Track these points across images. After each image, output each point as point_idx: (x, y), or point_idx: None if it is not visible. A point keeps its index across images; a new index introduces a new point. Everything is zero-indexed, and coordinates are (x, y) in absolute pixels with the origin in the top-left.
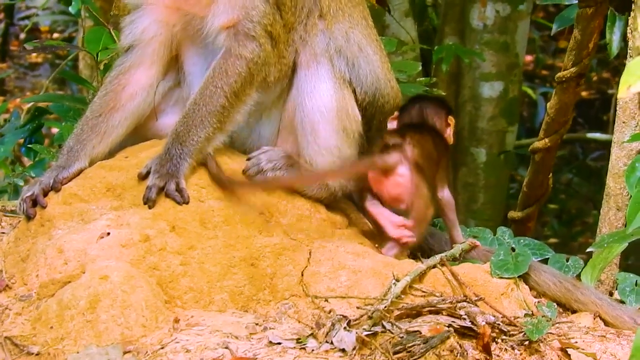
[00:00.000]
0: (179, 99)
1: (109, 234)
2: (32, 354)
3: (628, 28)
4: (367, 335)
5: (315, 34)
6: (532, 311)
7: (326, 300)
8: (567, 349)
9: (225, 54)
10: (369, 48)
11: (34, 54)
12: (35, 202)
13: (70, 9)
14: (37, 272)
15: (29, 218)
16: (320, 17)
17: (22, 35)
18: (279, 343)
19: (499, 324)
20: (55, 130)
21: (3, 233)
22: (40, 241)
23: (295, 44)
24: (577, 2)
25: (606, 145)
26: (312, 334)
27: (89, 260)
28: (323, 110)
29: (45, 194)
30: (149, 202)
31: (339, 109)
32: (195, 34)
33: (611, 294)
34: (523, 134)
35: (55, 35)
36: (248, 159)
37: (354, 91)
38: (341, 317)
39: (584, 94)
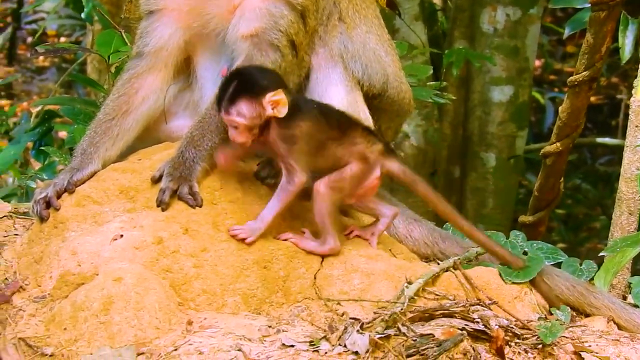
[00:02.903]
0: (190, 102)
1: (122, 236)
2: (46, 355)
3: None
4: (380, 338)
5: (334, 35)
6: (545, 315)
7: (339, 303)
8: (581, 353)
9: (245, 62)
10: (382, 50)
11: (42, 58)
12: (48, 204)
13: (82, 15)
14: (51, 274)
15: (43, 220)
16: (340, 19)
17: (29, 39)
18: (292, 345)
19: (512, 328)
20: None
21: (16, 235)
22: (53, 243)
23: (315, 45)
24: (589, 5)
25: (615, 150)
26: (325, 336)
27: (102, 262)
28: None
29: (59, 196)
30: (162, 205)
31: (350, 112)
32: (212, 39)
33: (624, 298)
34: (531, 138)
35: (63, 39)
36: (259, 163)
37: (365, 93)
38: (354, 320)
39: (592, 98)
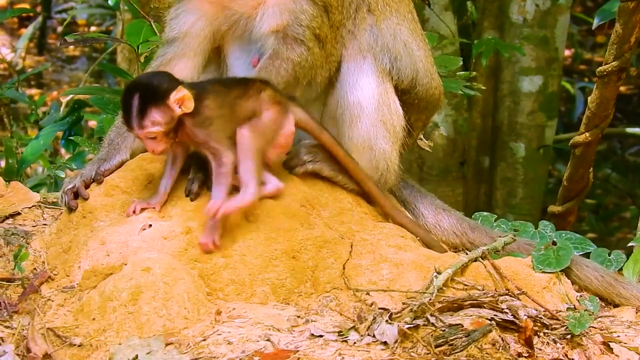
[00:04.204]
0: None
1: (150, 226)
2: (75, 345)
3: None
4: (409, 328)
5: (363, 28)
6: (574, 305)
7: (368, 293)
8: (610, 343)
9: (273, 56)
10: (414, 43)
11: (71, 47)
12: (77, 194)
13: (109, 1)
14: (79, 264)
15: (71, 210)
16: (368, 12)
17: (59, 29)
18: (321, 336)
19: (541, 318)
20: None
21: (45, 225)
22: (82, 233)
23: (344, 39)
24: None
25: None
26: (353, 326)
27: (130, 252)
28: (363, 104)
29: (87, 186)
30: (190, 195)
31: (380, 103)
32: (240, 31)
33: None
34: (561, 129)
35: (93, 28)
36: (288, 152)
37: (396, 85)
38: (383, 310)
39: (622, 88)
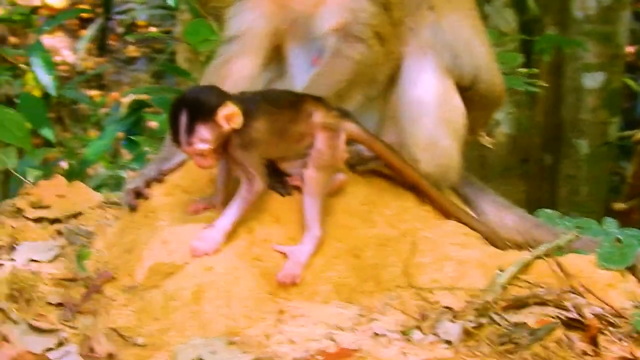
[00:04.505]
0: None
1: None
2: (138, 344)
3: None
4: (472, 327)
5: (424, 25)
6: None
7: (431, 292)
8: None
9: (334, 54)
10: (475, 40)
11: (132, 48)
12: (138, 194)
13: (169, 1)
14: (142, 263)
15: (133, 210)
16: (429, 9)
17: (120, 30)
18: (384, 334)
19: (606, 316)
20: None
21: (107, 225)
22: (144, 233)
23: (404, 36)
24: None
25: None
26: (417, 325)
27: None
28: (424, 101)
29: (149, 186)
30: (283, 191)
31: (441, 101)
32: (300, 30)
33: None
34: (623, 125)
35: (152, 29)
36: (349, 151)
37: (457, 83)
38: (446, 308)
39: None
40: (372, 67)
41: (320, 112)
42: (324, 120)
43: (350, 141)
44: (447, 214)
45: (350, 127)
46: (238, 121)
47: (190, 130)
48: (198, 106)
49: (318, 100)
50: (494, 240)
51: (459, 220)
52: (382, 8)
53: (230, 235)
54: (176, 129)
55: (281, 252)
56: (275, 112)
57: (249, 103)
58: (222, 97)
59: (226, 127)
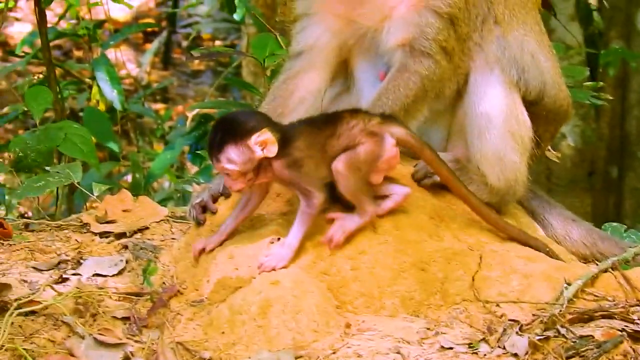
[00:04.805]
0: (348, 107)
1: (279, 239)
2: (204, 359)
3: None
4: (539, 340)
5: (490, 40)
6: None
7: (498, 305)
8: None
9: (400, 69)
10: (541, 54)
11: (197, 62)
12: (205, 208)
13: (235, 15)
14: (208, 278)
15: (199, 224)
16: (495, 23)
17: (184, 43)
18: (451, 348)
19: None
20: None
21: (173, 239)
22: None
23: (471, 51)
24: None
25: None
26: (484, 338)
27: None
28: (491, 115)
29: (215, 200)
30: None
31: (508, 115)
32: (367, 44)
33: None
34: None
35: (217, 42)
36: (416, 164)
37: (523, 97)
38: (513, 321)
39: None
40: (439, 82)
41: (359, 121)
42: (365, 128)
43: (400, 145)
44: (497, 228)
45: (396, 130)
46: (272, 150)
47: (220, 149)
48: (234, 127)
49: (356, 111)
50: (554, 256)
51: (510, 237)
52: (448, 23)
53: (297, 250)
54: (210, 145)
55: (333, 218)
56: (312, 130)
57: (289, 130)
58: (261, 123)
59: (259, 153)
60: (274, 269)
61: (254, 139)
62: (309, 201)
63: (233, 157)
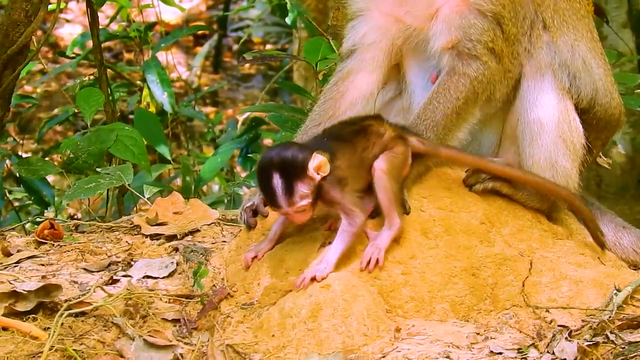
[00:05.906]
0: (400, 110)
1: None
2: None
3: None
4: (588, 346)
5: (540, 46)
6: None
7: (547, 311)
8: None
9: (450, 72)
10: (593, 61)
11: (247, 65)
12: (255, 212)
13: (287, 19)
14: (259, 281)
15: (250, 227)
16: (544, 29)
17: (235, 47)
18: (500, 353)
19: None
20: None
21: (224, 242)
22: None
23: (520, 56)
24: None
25: None
26: (533, 344)
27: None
28: (543, 121)
29: (266, 204)
30: (372, 214)
31: (560, 121)
32: (416, 46)
33: None
34: None
35: (268, 46)
36: (467, 169)
37: (575, 104)
38: (562, 327)
39: None
40: (489, 84)
41: (387, 128)
42: (394, 134)
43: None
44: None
45: (412, 141)
46: (326, 169)
47: (290, 191)
48: (290, 165)
49: (378, 118)
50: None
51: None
52: (494, 23)
53: (347, 252)
54: (273, 193)
55: (366, 236)
56: (348, 147)
57: (324, 148)
58: (305, 149)
59: (318, 177)
60: (313, 279)
61: (311, 166)
62: (352, 220)
63: (305, 191)
